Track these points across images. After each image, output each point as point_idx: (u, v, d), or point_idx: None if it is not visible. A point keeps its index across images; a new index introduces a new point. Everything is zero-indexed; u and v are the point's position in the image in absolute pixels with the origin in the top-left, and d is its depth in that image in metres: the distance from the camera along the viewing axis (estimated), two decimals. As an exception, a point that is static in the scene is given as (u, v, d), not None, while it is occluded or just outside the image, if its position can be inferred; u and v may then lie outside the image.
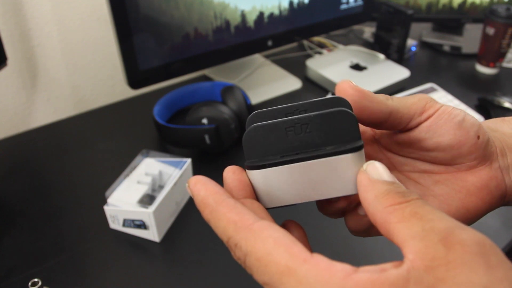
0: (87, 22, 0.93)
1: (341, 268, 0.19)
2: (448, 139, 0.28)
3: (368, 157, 0.32)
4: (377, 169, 0.24)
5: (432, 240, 0.19)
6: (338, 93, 0.28)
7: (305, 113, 0.26)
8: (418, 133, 0.29)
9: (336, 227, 0.65)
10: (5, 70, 0.87)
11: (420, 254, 0.19)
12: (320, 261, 0.20)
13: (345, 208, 0.29)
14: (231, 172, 0.26)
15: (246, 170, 0.26)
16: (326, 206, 0.29)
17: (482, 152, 0.28)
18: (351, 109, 0.27)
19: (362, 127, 0.31)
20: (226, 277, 0.60)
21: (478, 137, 0.28)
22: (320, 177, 0.25)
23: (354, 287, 0.19)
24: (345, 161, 0.24)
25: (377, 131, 0.32)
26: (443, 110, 0.28)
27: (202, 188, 0.24)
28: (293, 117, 0.25)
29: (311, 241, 0.27)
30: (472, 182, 0.28)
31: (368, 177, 0.23)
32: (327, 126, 0.25)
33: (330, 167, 0.24)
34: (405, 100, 0.29)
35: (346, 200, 0.29)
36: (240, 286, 0.59)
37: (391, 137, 0.31)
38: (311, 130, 0.25)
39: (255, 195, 0.26)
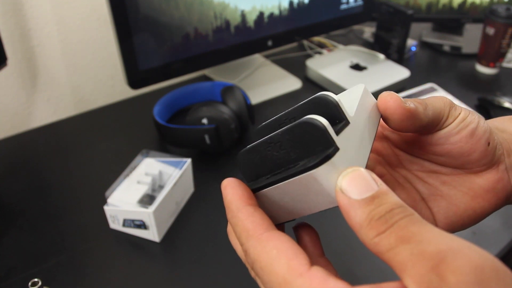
0: (87, 22, 0.93)
1: (333, 285, 0.20)
2: (460, 147, 0.27)
3: (378, 154, 0.32)
4: (354, 182, 0.22)
5: (424, 267, 0.18)
6: (382, 106, 0.27)
7: (294, 120, 0.26)
8: (431, 138, 0.28)
9: (337, 226, 0.65)
10: (5, 70, 0.87)
11: (415, 283, 0.18)
12: (315, 276, 0.20)
13: None
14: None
15: None
16: None
17: (491, 158, 0.28)
18: (338, 105, 0.25)
19: None
20: (226, 277, 0.60)
21: (489, 143, 0.28)
22: (302, 194, 0.24)
23: None
24: (316, 176, 0.22)
25: (386, 127, 0.31)
26: (461, 118, 0.28)
27: (230, 192, 0.25)
28: (266, 137, 0.25)
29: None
30: (479, 185, 0.28)
31: (346, 200, 0.21)
32: (298, 140, 0.23)
33: (304, 184, 0.23)
34: (435, 107, 0.28)
35: None
36: (240, 286, 0.59)
37: (401, 136, 0.31)
38: (285, 147, 0.24)
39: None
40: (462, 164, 0.28)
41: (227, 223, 0.27)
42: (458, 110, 0.28)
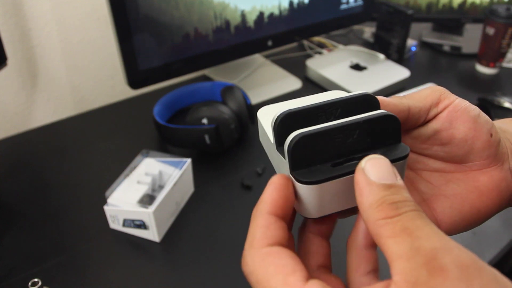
0: (87, 22, 0.93)
1: None
2: (463, 132, 0.28)
3: None
4: (376, 167, 0.23)
5: (417, 262, 0.19)
6: None
7: (337, 111, 0.26)
8: (435, 124, 0.29)
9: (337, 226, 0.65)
10: (5, 70, 0.87)
11: (405, 275, 0.19)
12: None
13: None
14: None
15: (295, 182, 0.25)
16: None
17: (494, 151, 0.28)
18: (379, 106, 0.27)
19: None
20: (226, 277, 0.60)
21: (491, 135, 0.28)
22: None
23: None
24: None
25: None
26: (459, 103, 0.28)
27: (269, 192, 0.25)
28: (342, 123, 0.24)
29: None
30: (483, 183, 0.28)
31: (365, 179, 0.22)
32: (374, 130, 0.25)
33: None
34: (418, 94, 0.29)
35: None
36: (239, 286, 0.59)
37: (405, 132, 0.31)
38: (358, 136, 0.24)
39: (300, 205, 0.26)
40: (466, 154, 0.28)
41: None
42: (454, 96, 0.29)
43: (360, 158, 0.23)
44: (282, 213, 0.24)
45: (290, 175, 0.25)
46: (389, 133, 0.25)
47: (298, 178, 0.24)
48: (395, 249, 0.20)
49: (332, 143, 0.24)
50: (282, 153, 0.25)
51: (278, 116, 0.25)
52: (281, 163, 0.26)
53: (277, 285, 0.21)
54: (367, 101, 0.26)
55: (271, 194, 0.25)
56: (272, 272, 0.22)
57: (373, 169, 0.22)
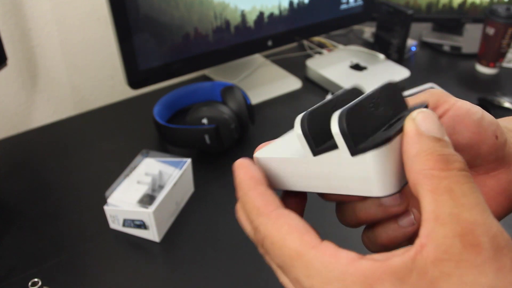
0: (87, 22, 0.93)
1: (345, 255, 0.20)
2: (468, 137, 0.26)
3: None
4: (427, 120, 0.22)
5: (453, 230, 0.19)
6: None
7: (343, 102, 0.25)
8: None
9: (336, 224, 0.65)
10: (5, 70, 0.86)
11: (436, 241, 0.19)
12: (327, 247, 0.21)
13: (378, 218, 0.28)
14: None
15: (358, 156, 0.23)
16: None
17: (501, 153, 0.27)
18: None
19: None
20: (226, 277, 0.60)
21: (496, 137, 0.26)
22: None
23: (355, 273, 0.20)
24: None
25: None
26: (460, 106, 0.27)
27: (242, 172, 0.26)
28: (368, 94, 0.24)
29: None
30: (491, 187, 0.28)
31: (415, 128, 0.22)
32: (389, 98, 0.25)
33: None
34: (415, 100, 0.27)
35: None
36: (240, 286, 0.58)
37: None
38: (384, 104, 0.25)
39: (377, 184, 0.23)
40: (472, 159, 0.27)
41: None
42: (454, 99, 0.27)
43: (398, 120, 0.24)
44: (266, 183, 0.25)
45: (353, 157, 0.23)
46: (397, 98, 0.26)
47: (366, 147, 0.23)
48: (433, 207, 0.19)
49: (369, 113, 0.24)
50: (327, 148, 0.24)
51: (302, 119, 0.24)
52: (329, 163, 0.24)
53: (294, 244, 0.22)
54: (358, 91, 0.27)
55: (246, 172, 0.25)
56: (286, 232, 0.22)
57: (425, 121, 0.22)
